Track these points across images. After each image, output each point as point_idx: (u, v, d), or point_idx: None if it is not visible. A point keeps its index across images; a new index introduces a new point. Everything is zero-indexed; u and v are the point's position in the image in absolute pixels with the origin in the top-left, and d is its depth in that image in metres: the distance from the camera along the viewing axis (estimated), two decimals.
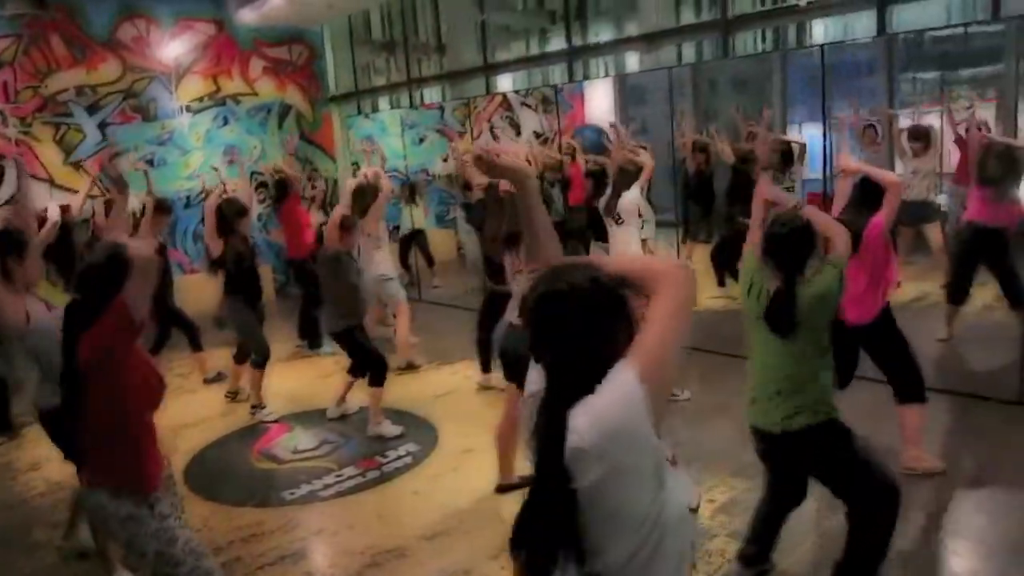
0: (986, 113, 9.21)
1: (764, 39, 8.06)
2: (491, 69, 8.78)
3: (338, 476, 4.54)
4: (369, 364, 5.10)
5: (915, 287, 6.60)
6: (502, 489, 4.11)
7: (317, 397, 5.85)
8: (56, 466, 4.90)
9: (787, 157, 6.35)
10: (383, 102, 10.74)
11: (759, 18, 6.69)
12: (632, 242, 5.55)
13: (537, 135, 11.83)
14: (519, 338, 3.85)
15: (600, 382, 1.34)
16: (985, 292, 5.86)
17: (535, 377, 1.51)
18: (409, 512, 4.07)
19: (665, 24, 7.37)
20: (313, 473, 4.60)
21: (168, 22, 9.02)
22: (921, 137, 6.60)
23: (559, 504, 1.34)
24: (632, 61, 8.73)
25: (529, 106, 11.66)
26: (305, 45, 10.28)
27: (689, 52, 7.75)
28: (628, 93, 11.94)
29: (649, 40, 7.16)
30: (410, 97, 10.12)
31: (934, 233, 6.72)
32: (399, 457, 4.76)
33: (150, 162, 9.04)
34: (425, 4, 10.34)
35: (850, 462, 2.86)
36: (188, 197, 9.28)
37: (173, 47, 9.03)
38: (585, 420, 1.32)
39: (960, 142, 6.73)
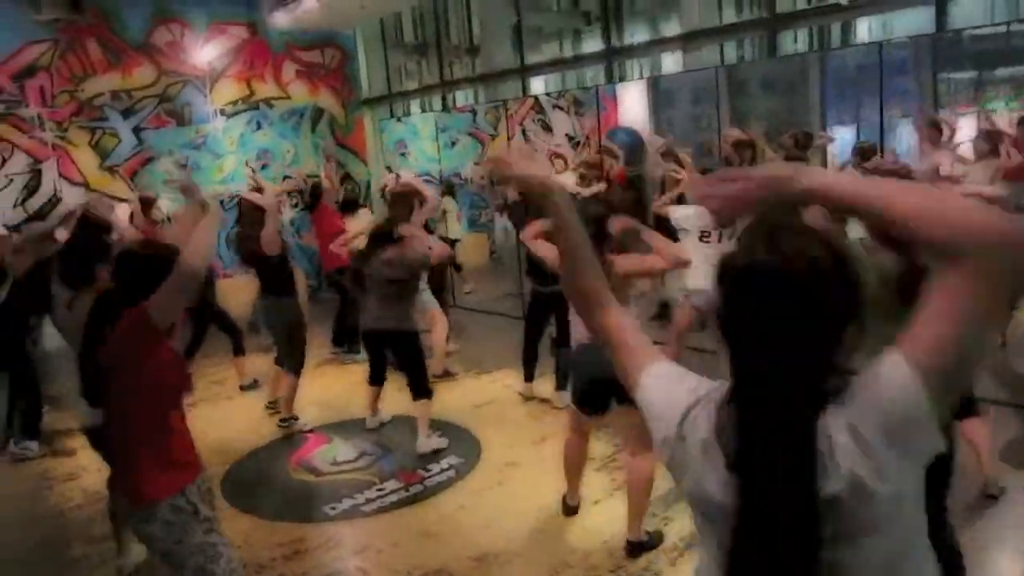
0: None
1: (811, 38, 7.84)
2: (527, 71, 8.64)
3: (380, 490, 4.40)
4: (420, 373, 4.96)
5: None
6: (570, 509, 3.95)
7: (352, 405, 5.73)
8: (94, 476, 4.83)
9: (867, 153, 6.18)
10: (416, 105, 10.65)
11: (806, 16, 6.47)
12: None
13: (569, 138, 11.68)
14: (594, 358, 3.57)
15: (841, 381, 1.05)
16: None
17: (692, 386, 1.23)
18: (455, 530, 3.92)
19: (708, 23, 7.18)
20: (354, 486, 4.47)
21: (201, 26, 9.00)
22: (991, 139, 6.32)
23: (810, 556, 1.02)
24: (669, 62, 8.54)
25: (561, 108, 11.49)
26: (337, 48, 10.21)
27: (730, 53, 7.55)
28: (661, 95, 11.75)
29: (692, 39, 6.97)
30: (443, 100, 10.01)
31: None
32: (442, 471, 4.61)
33: (184, 167, 9.02)
34: (458, 6, 10.23)
35: None
36: (221, 202, 9.23)
37: (207, 51, 9.01)
38: (860, 429, 1.00)
39: (1016, 143, 6.47)
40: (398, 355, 5.01)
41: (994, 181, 5.97)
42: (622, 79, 8.47)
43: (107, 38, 8.40)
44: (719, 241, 4.87)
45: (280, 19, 9.16)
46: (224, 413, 5.92)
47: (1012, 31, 8.21)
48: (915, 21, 7.31)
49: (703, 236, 4.89)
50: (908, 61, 10.32)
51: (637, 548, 3.55)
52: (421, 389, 4.91)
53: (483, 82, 9.37)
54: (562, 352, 5.55)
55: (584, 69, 9.24)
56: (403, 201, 5.69)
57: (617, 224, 3.55)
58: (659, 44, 7.73)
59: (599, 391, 3.58)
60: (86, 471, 4.97)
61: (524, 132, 11.08)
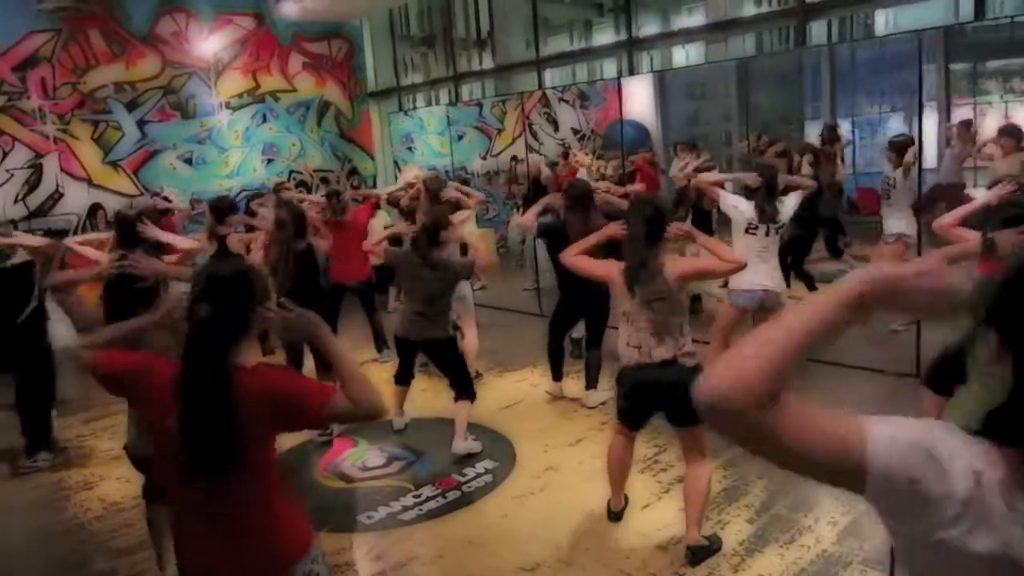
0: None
1: (829, 31, 7.70)
2: (542, 63, 8.45)
3: (416, 497, 4.22)
4: (463, 375, 4.78)
5: None
6: (615, 515, 3.79)
7: None
8: (111, 484, 4.64)
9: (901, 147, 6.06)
10: (423, 98, 10.45)
11: (837, 5, 6.31)
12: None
13: (575, 131, 11.52)
14: (640, 379, 3.39)
15: None
16: None
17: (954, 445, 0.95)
18: (502, 539, 3.74)
19: (727, 16, 7.01)
20: (389, 493, 4.28)
21: (207, 16, 8.76)
22: (1015, 135, 6.22)
23: None
24: (688, 55, 8.38)
25: (567, 102, 11.32)
26: (344, 40, 10.00)
27: (748, 44, 7.40)
28: (667, 89, 11.58)
29: (719, 30, 6.80)
30: (456, 93, 9.80)
31: None
32: (478, 475, 4.43)
33: (188, 161, 8.78)
34: None
35: None
36: (225, 197, 8.99)
37: (212, 42, 8.77)
38: None
39: None
40: (436, 362, 4.82)
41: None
42: (634, 72, 8.28)
43: (111, 28, 8.14)
44: (766, 235, 4.72)
45: (287, 9, 8.93)
46: None
47: (1000, 24, 8.11)
48: (924, 14, 7.20)
49: (749, 228, 4.73)
50: (905, 54, 10.24)
51: (698, 553, 3.39)
52: (465, 390, 4.72)
53: (497, 74, 9.18)
54: (592, 353, 5.39)
55: (595, 62, 9.07)
56: (441, 205, 5.50)
57: (674, 228, 3.42)
58: (682, 35, 7.54)
59: (644, 410, 3.53)
60: (103, 479, 4.77)
61: (531, 126, 10.92)
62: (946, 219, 3.29)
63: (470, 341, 5.86)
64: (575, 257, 3.66)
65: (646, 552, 3.52)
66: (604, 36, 9.93)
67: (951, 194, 6.96)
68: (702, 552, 3.41)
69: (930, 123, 9.71)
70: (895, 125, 10.75)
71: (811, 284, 7.21)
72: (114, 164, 8.28)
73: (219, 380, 1.82)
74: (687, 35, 7.40)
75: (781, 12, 6.57)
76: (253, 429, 1.86)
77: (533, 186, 8.27)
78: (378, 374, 6.38)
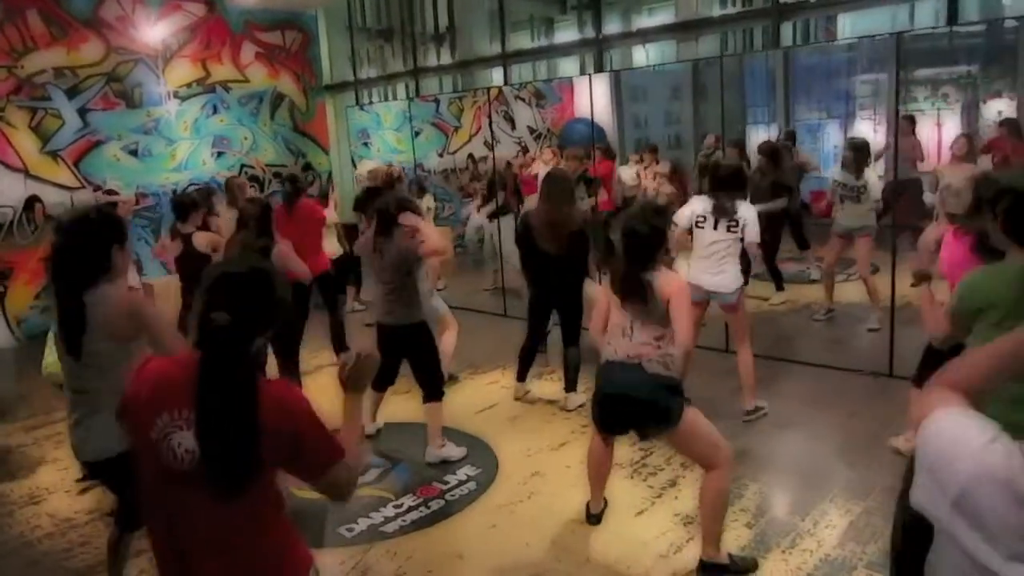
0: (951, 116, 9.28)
1: (794, 33, 7.75)
2: (508, 59, 8.28)
3: (397, 507, 4.00)
4: (434, 370, 4.54)
5: None
6: (594, 518, 3.67)
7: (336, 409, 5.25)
8: (60, 498, 4.29)
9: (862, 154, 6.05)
10: (381, 93, 10.16)
11: (810, 7, 6.31)
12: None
13: (531, 130, 11.43)
14: (619, 379, 3.19)
15: None
16: None
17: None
18: (494, 551, 3.56)
19: (704, 13, 6.97)
20: (368, 504, 4.04)
21: (155, 0, 8.31)
22: (969, 144, 6.35)
23: None
24: (651, 54, 8.34)
25: (523, 100, 11.21)
26: (299, 30, 9.65)
27: (711, 45, 7.38)
28: (624, 87, 11.58)
29: (691, 28, 6.74)
30: (416, 88, 9.54)
31: None
32: (461, 483, 4.23)
33: (133, 152, 8.32)
34: None
35: None
36: (174, 191, 8.55)
37: (160, 28, 8.33)
38: None
39: (995, 143, 6.65)
40: (410, 349, 4.54)
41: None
42: (599, 70, 8.19)
43: (50, 9, 7.63)
44: (714, 228, 4.66)
45: None
46: None
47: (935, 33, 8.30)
48: (883, 20, 7.31)
49: (697, 222, 4.71)
50: (849, 61, 10.50)
51: (709, 569, 3.24)
52: (433, 389, 4.49)
53: (458, 70, 8.98)
54: (571, 351, 5.25)
55: (556, 60, 8.96)
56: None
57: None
58: (652, 34, 7.47)
59: (621, 414, 3.27)
60: (50, 492, 4.40)
61: (490, 124, 10.77)
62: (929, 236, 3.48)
63: (447, 342, 5.66)
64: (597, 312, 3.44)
65: (648, 561, 3.39)
66: (566, 34, 9.83)
67: (909, 191, 7.08)
68: (714, 569, 3.25)
69: (878, 128, 9.95)
70: (833, 131, 10.98)
71: (779, 283, 7.26)
72: (53, 154, 7.76)
73: (243, 397, 1.60)
74: (657, 33, 7.33)
75: (754, 12, 6.54)
76: (269, 451, 1.64)
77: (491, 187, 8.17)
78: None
